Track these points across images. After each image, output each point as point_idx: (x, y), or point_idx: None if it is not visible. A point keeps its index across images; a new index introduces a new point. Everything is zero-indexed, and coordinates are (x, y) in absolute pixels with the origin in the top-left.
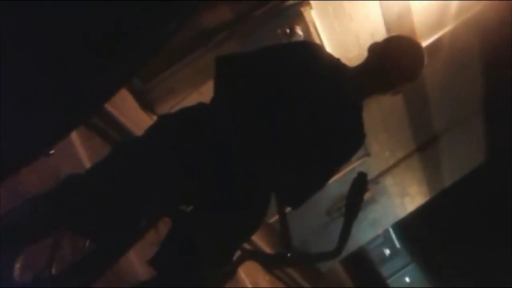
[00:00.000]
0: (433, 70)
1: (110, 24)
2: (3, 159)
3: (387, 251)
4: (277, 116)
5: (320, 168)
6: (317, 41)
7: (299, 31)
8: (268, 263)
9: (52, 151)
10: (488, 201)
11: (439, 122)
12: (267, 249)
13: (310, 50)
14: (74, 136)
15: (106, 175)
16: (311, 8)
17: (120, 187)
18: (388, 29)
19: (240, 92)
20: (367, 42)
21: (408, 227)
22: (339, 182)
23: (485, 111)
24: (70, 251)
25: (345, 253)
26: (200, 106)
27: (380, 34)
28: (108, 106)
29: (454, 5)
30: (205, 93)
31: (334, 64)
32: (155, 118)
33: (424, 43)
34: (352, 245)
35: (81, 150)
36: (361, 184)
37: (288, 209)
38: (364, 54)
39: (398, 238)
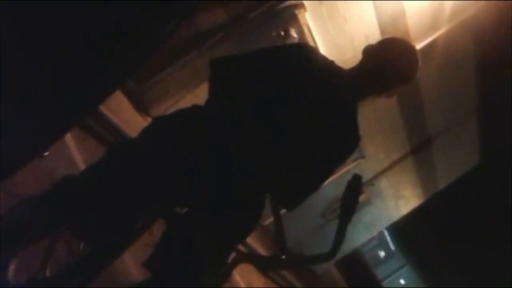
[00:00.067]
0: (428, 72)
1: (110, 24)
2: (3, 160)
3: (382, 253)
4: (271, 118)
5: (315, 170)
6: (311, 43)
7: (293, 33)
8: (263, 265)
9: (47, 153)
10: (483, 202)
11: (433, 124)
12: (262, 251)
13: (305, 52)
14: (69, 138)
15: (101, 176)
16: (305, 10)
17: (115, 188)
18: (382, 31)
19: (235, 94)
20: (361, 44)
21: (403, 229)
22: (334, 184)
23: (480, 113)
24: (65, 252)
25: (340, 255)
26: (195, 108)
27: (374, 36)
28: (103, 108)
29: (448, 7)
30: (199, 95)
31: (328, 67)
32: (149, 120)
33: (418, 45)
34: (347, 247)
35: (75, 152)
36: (355, 186)
37: (283, 211)
38: (359, 56)
39: (393, 240)
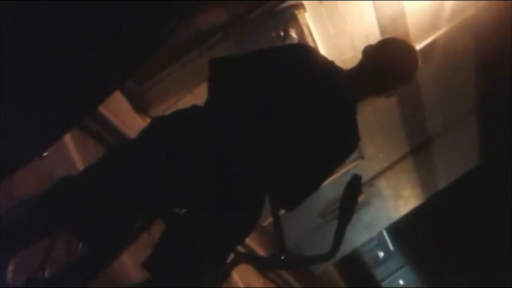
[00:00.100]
0: (427, 72)
1: (110, 24)
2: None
3: (381, 254)
4: (271, 118)
5: (314, 170)
6: (311, 43)
7: (293, 33)
8: (262, 265)
9: (46, 153)
10: (483, 203)
11: (433, 124)
12: (260, 251)
13: (304, 53)
14: (68, 138)
15: (100, 177)
16: (305, 10)
17: (114, 189)
18: (382, 32)
19: (234, 94)
20: (361, 44)
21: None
22: (333, 185)
23: (479, 113)
24: (64, 253)
25: (339, 255)
26: (194, 108)
27: (374, 36)
28: (102, 108)
29: (448, 7)
30: (199, 95)
31: (328, 67)
32: (148, 120)
33: (418, 46)
34: (346, 247)
35: (74, 152)
36: (355, 186)
37: (282, 211)
38: (358, 56)
39: (392, 241)
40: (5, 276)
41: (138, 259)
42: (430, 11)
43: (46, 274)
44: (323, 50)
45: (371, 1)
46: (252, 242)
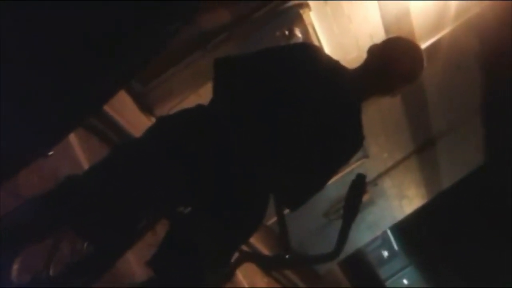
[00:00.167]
0: (432, 72)
1: (110, 24)
2: (3, 160)
3: (385, 253)
4: (275, 118)
5: (319, 170)
6: (316, 43)
7: (298, 33)
8: (266, 265)
9: (51, 153)
10: (487, 202)
11: (437, 124)
12: (265, 251)
13: (309, 52)
14: (73, 137)
15: (104, 176)
16: (310, 10)
17: (118, 188)
18: (387, 31)
19: (239, 94)
20: (366, 44)
21: (406, 229)
22: (337, 184)
23: (484, 113)
24: (69, 252)
25: (343, 255)
26: (199, 107)
27: (379, 36)
28: (107, 108)
29: (453, 7)
30: (203, 95)
31: (333, 66)
32: (153, 120)
33: (423, 45)
34: (350, 247)
35: (79, 151)
36: (359, 186)
37: (286, 211)
38: (363, 56)
39: (396, 240)
40: (10, 276)
41: (142, 258)
42: (435, 11)
43: (51, 273)
44: (328, 49)
45: (376, 0)
46: (257, 242)
